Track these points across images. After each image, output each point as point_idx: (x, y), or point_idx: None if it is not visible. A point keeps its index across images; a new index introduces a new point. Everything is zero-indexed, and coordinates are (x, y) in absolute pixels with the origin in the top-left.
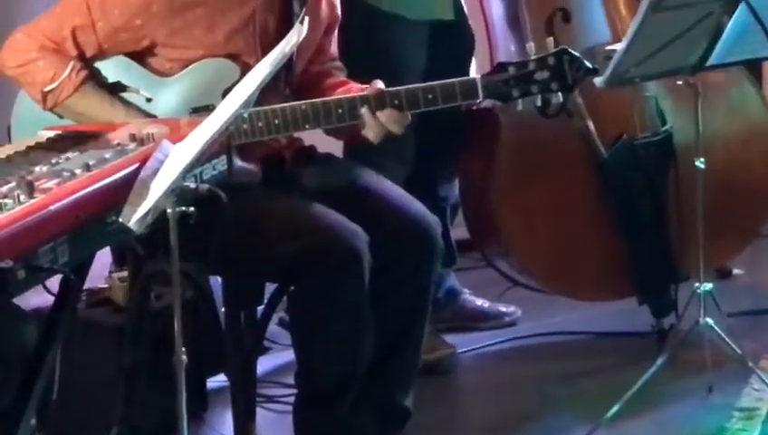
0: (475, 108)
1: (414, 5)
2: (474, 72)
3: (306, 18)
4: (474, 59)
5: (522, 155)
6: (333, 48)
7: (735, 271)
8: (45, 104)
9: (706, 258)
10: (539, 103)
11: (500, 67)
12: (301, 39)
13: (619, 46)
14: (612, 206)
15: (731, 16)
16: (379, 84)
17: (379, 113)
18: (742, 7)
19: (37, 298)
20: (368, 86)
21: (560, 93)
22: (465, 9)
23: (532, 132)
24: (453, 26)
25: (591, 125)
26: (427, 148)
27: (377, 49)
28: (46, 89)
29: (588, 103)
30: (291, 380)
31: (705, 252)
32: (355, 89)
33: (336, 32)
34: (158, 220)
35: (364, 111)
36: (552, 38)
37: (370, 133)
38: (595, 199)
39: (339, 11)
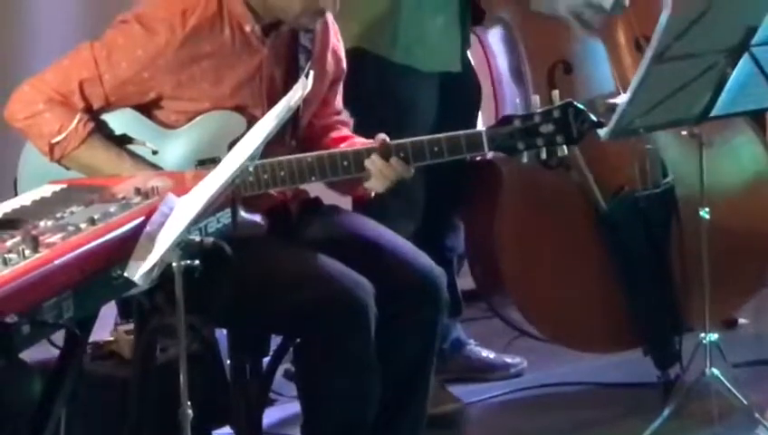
0: (478, 158)
1: (426, 58)
2: (480, 125)
3: (311, 72)
4: (480, 112)
5: (523, 207)
6: (338, 101)
7: (741, 320)
8: (52, 156)
9: (712, 309)
10: (544, 156)
11: (505, 120)
12: (306, 92)
13: (620, 99)
14: (614, 258)
15: (734, 67)
16: (383, 137)
17: (384, 164)
18: (745, 58)
19: (42, 351)
20: (372, 140)
21: (564, 146)
22: (472, 62)
23: (534, 184)
24: (460, 78)
25: (591, 178)
26: (433, 198)
27: (390, 101)
28: (53, 141)
29: (588, 156)
30: (297, 432)
31: (711, 303)
32: (359, 142)
33: (341, 85)
34: (164, 273)
35: (369, 162)
36: (557, 91)
37: (376, 184)
38: (597, 251)
39: (344, 64)
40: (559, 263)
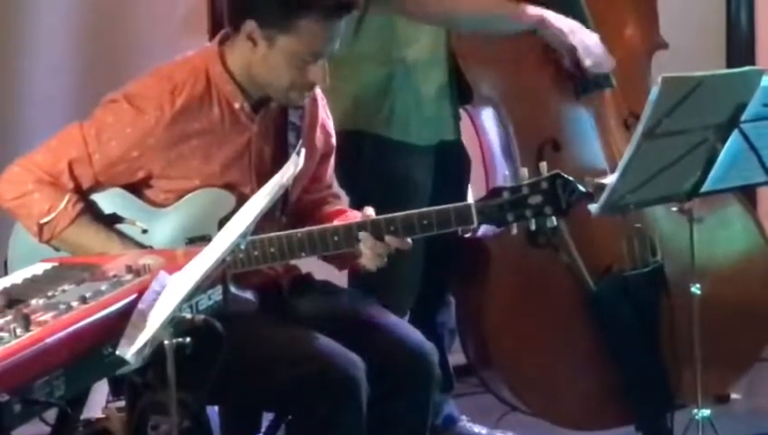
0: (467, 235)
1: (423, 131)
2: (470, 199)
3: (303, 149)
4: (470, 186)
5: (512, 286)
6: (329, 176)
7: (733, 396)
8: (41, 236)
9: (704, 386)
10: (533, 227)
11: (494, 192)
12: (298, 170)
13: (609, 179)
14: (604, 336)
15: (724, 143)
16: (370, 211)
17: (375, 242)
18: (735, 134)
19: (34, 429)
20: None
21: (554, 217)
22: (462, 136)
23: (523, 263)
24: (452, 149)
25: (579, 258)
26: (426, 274)
27: (388, 177)
28: (42, 221)
29: (576, 236)
30: None
31: (703, 379)
32: (353, 216)
33: (332, 159)
34: (155, 351)
35: (361, 242)
36: (544, 163)
37: (367, 262)
38: (587, 330)
39: (334, 139)
40: (548, 341)
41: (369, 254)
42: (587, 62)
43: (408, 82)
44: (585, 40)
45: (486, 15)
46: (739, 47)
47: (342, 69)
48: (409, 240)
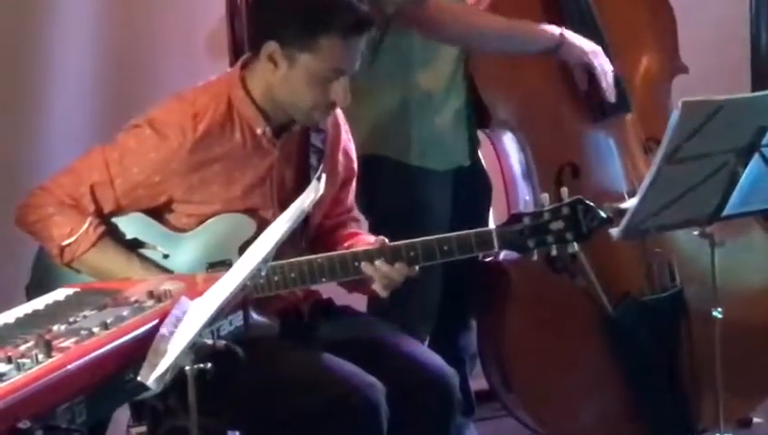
0: (488, 260)
1: (441, 157)
2: (492, 224)
3: (324, 175)
4: (492, 211)
5: (531, 311)
6: (350, 200)
7: (756, 420)
8: (62, 259)
9: (726, 410)
10: (554, 253)
11: (515, 218)
12: (319, 195)
13: (628, 204)
14: (623, 362)
15: (745, 167)
16: (382, 238)
17: (389, 268)
18: (756, 158)
19: None
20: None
21: (575, 243)
22: (483, 161)
23: (542, 289)
24: (471, 174)
25: (597, 283)
26: (447, 298)
27: (407, 203)
28: (63, 243)
29: (594, 261)
30: None
31: (724, 404)
32: (365, 239)
33: (353, 183)
34: (177, 376)
35: (372, 267)
36: (566, 188)
37: (380, 288)
38: (606, 355)
39: (355, 164)
40: (568, 366)
41: (381, 280)
42: (603, 84)
43: (426, 107)
44: (604, 64)
45: (505, 34)
46: (764, 70)
47: (360, 94)
48: (416, 268)
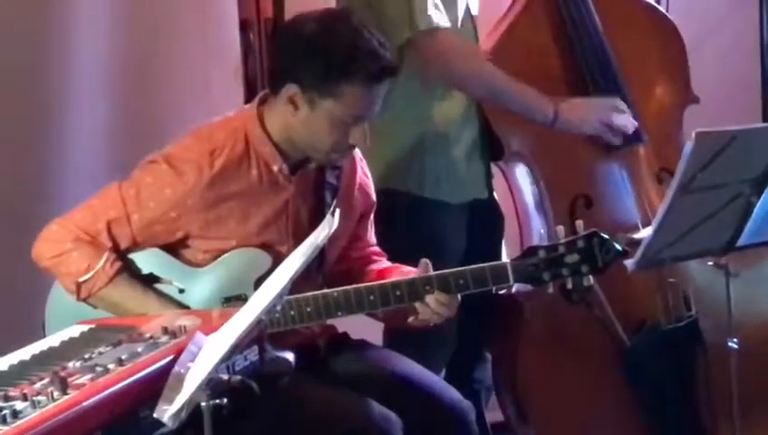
0: (501, 293)
1: (456, 190)
2: (504, 257)
3: (337, 210)
4: (504, 244)
5: (546, 343)
6: (370, 234)
7: None
8: (79, 295)
9: None
10: (570, 286)
11: (530, 251)
12: (332, 231)
13: (641, 234)
14: (639, 392)
15: (760, 196)
16: (425, 262)
17: (446, 297)
18: None
19: None
20: (414, 269)
21: (590, 276)
22: (495, 194)
23: (556, 321)
24: (486, 207)
25: (612, 314)
26: (462, 330)
27: (421, 236)
28: (80, 279)
29: (609, 291)
30: None
31: (742, 432)
32: (407, 271)
33: (372, 217)
34: (192, 412)
35: (430, 298)
36: (581, 221)
37: (434, 317)
38: (622, 386)
39: (374, 198)
40: (583, 397)
41: (438, 309)
42: (606, 139)
43: (440, 140)
44: (602, 118)
45: (505, 91)
46: None
47: (377, 129)
48: (459, 296)
